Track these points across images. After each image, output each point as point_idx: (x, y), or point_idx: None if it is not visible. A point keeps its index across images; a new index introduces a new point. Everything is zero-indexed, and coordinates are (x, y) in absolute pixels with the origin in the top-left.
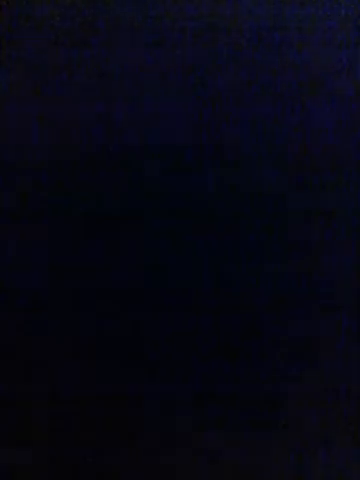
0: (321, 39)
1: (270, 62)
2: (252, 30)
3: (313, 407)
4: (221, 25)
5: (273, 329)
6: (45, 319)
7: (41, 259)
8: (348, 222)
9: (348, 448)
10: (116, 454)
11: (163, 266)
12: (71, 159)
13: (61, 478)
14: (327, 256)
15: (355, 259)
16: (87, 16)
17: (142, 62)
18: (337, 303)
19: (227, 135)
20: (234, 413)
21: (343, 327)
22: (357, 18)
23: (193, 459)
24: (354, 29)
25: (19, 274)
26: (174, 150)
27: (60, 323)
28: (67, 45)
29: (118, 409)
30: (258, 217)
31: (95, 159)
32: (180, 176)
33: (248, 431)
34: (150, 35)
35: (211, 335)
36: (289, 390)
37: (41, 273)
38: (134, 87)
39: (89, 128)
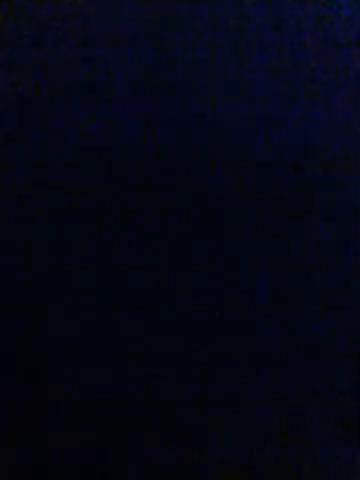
0: (321, 39)
1: (270, 62)
2: (252, 30)
3: (314, 407)
4: (221, 25)
5: (272, 328)
6: (44, 318)
7: (40, 258)
8: (348, 221)
9: (348, 448)
10: (115, 454)
11: (163, 265)
12: (70, 159)
13: (61, 478)
14: (327, 255)
15: (355, 259)
16: (87, 16)
17: (142, 62)
18: (337, 303)
19: (227, 134)
20: (234, 413)
21: (343, 326)
22: (357, 18)
23: (193, 459)
24: (354, 29)
25: (19, 274)
26: (174, 150)
27: (58, 322)
28: (67, 45)
29: (118, 409)
30: (258, 217)
31: (94, 159)
32: (180, 176)
33: (249, 430)
34: (150, 35)
35: (210, 334)
36: (290, 390)
37: (40, 273)
38: (134, 87)
39: (89, 128)
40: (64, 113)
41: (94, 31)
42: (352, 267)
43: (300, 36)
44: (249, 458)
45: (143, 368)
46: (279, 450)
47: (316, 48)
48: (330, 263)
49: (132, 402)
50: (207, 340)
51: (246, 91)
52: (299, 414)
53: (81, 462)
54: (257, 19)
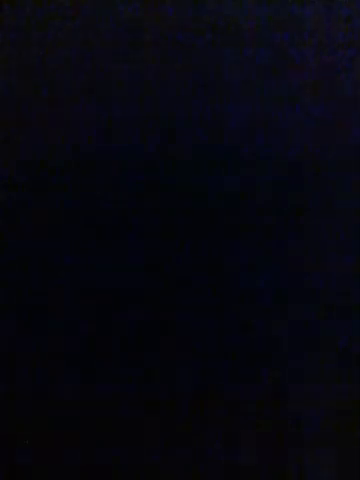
0: (321, 39)
1: (270, 62)
2: (252, 30)
3: (314, 407)
4: (221, 25)
5: (272, 328)
6: (44, 318)
7: (40, 258)
8: (348, 222)
9: (348, 448)
10: (115, 454)
11: (162, 265)
12: (70, 159)
13: (61, 478)
14: (327, 255)
15: (355, 259)
16: (87, 16)
17: (142, 62)
18: (337, 303)
19: (227, 134)
20: (234, 413)
21: (343, 326)
22: (357, 18)
23: (192, 459)
24: (354, 29)
25: (19, 273)
26: (174, 150)
27: (58, 323)
28: (67, 45)
29: (118, 409)
30: (258, 217)
31: (94, 159)
32: (179, 176)
33: (248, 431)
34: (149, 35)
35: (211, 334)
36: (289, 389)
37: (40, 273)
38: (134, 87)
39: (89, 128)
40: (64, 113)
41: (94, 31)
42: (352, 267)
43: (300, 36)
44: (248, 458)
45: (142, 368)
46: (279, 450)
47: (316, 48)
48: (330, 263)
49: (132, 402)
50: (207, 340)
51: (246, 91)
52: (299, 414)
53: (80, 462)
54: (257, 19)
